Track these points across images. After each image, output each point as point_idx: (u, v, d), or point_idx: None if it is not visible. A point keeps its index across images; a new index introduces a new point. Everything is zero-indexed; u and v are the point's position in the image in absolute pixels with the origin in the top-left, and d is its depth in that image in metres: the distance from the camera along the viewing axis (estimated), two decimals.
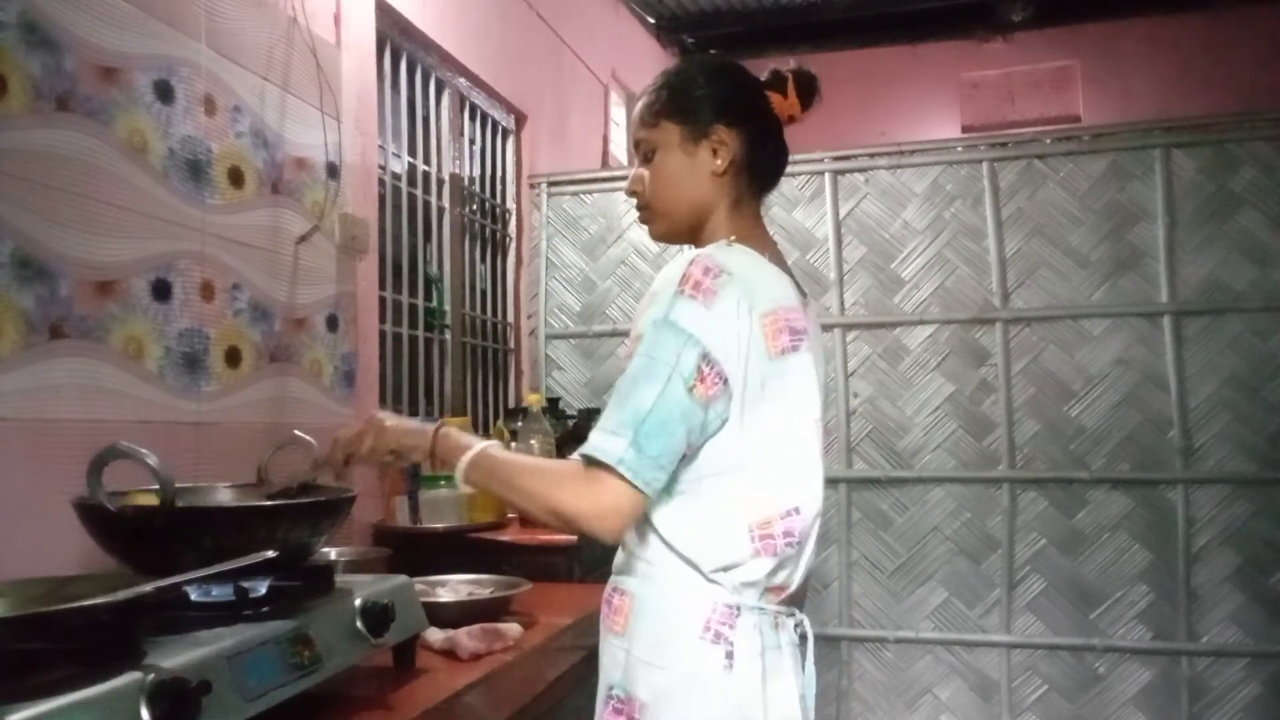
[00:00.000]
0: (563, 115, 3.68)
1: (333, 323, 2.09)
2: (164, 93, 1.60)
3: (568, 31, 3.70)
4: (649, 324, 1.08)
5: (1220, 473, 2.67)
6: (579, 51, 3.86)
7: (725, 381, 1.07)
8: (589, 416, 2.77)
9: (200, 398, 1.67)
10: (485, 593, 1.73)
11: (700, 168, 1.21)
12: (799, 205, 3.03)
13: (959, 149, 2.96)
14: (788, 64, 1.25)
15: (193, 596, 1.08)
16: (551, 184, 3.30)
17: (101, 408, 1.45)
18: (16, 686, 0.77)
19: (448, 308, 2.79)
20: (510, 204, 3.31)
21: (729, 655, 1.09)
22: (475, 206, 3.08)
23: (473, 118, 3.07)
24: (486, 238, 3.16)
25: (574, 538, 2.03)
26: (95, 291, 1.45)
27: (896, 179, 2.96)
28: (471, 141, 3.06)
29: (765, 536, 1.11)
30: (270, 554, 1.03)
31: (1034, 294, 2.83)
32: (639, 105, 1.26)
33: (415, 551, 1.99)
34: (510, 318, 3.29)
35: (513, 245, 3.31)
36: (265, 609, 1.08)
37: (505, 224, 3.30)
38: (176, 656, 0.89)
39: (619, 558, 1.20)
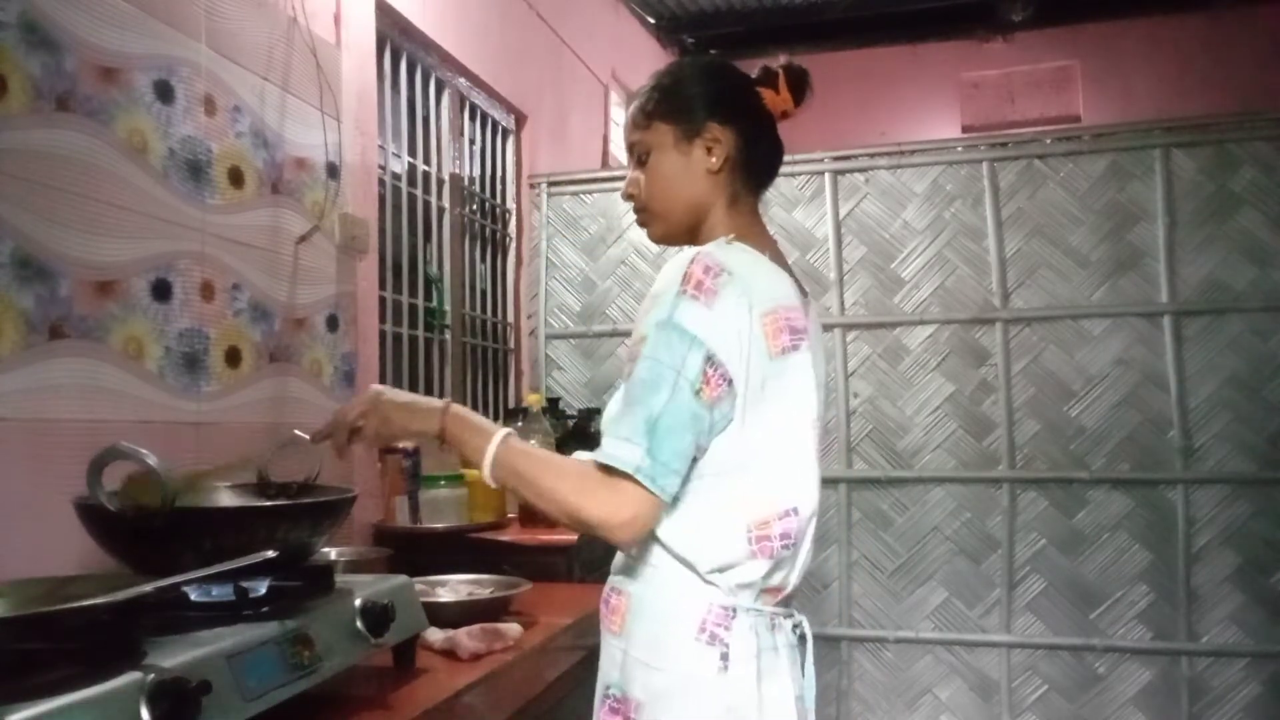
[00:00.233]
0: (563, 115, 3.68)
1: (333, 323, 2.09)
2: (164, 93, 1.60)
3: (568, 31, 3.70)
4: (653, 326, 1.07)
5: (1220, 473, 2.67)
6: (579, 51, 3.86)
7: (730, 383, 1.06)
8: (589, 416, 2.77)
9: (200, 398, 1.67)
10: (485, 593, 1.73)
11: (695, 166, 1.21)
12: (799, 205, 3.03)
13: (959, 149, 2.96)
14: (778, 60, 1.24)
15: (193, 596, 1.08)
16: (551, 184, 3.30)
17: (101, 408, 1.45)
18: (16, 686, 0.77)
19: (448, 308, 2.79)
20: (510, 204, 3.31)
21: (724, 656, 1.08)
22: (475, 206, 3.08)
23: (473, 118, 3.07)
24: (486, 238, 3.16)
25: (574, 538, 2.03)
26: (95, 291, 1.45)
27: (896, 179, 2.96)
28: (471, 141, 3.06)
29: (762, 538, 1.11)
30: (270, 554, 1.03)
31: (1034, 294, 2.83)
32: (631, 109, 1.26)
33: (415, 551, 1.99)
34: (510, 318, 3.29)
35: (513, 245, 3.31)
36: (265, 609, 1.08)
37: (505, 224, 3.30)
38: (176, 656, 0.89)
39: (618, 558, 1.20)
